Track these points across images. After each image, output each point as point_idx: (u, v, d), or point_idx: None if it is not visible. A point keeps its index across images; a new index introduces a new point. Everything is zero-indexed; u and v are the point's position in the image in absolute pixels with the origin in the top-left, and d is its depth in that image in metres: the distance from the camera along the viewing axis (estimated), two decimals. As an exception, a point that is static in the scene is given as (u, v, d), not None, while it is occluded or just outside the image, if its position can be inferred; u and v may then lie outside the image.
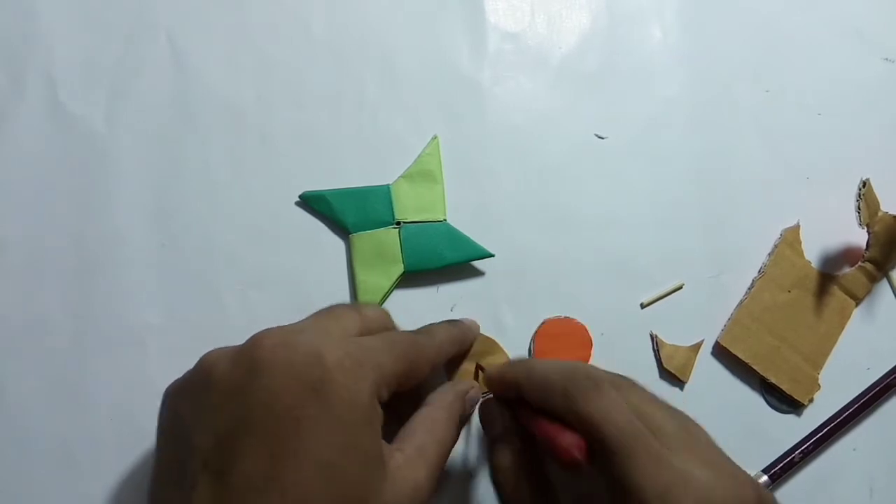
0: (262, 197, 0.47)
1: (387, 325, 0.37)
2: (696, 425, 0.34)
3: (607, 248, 0.49)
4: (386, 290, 0.46)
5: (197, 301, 0.45)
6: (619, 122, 0.50)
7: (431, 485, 0.31)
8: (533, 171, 0.49)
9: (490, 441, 0.38)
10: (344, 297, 0.46)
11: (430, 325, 0.41)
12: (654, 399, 0.35)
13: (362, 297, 0.45)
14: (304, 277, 0.46)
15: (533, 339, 0.47)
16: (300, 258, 0.46)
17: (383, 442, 0.30)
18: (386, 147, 0.48)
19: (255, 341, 0.29)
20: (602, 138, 0.49)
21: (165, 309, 0.45)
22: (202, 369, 0.30)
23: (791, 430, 0.49)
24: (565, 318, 0.47)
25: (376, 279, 0.45)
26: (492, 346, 0.46)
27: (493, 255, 0.47)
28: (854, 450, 0.49)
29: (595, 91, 0.50)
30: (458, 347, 0.42)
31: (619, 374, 0.36)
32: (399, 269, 0.46)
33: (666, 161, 0.50)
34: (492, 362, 0.45)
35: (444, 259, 0.46)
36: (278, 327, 0.31)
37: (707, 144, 0.51)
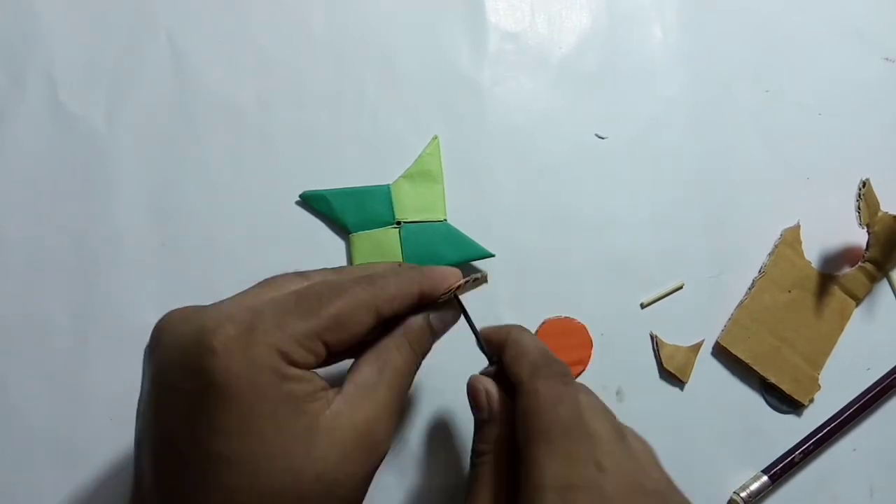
0: (262, 197, 0.47)
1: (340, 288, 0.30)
2: (642, 442, 0.34)
3: (607, 248, 0.49)
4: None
5: (197, 301, 0.45)
6: (619, 122, 0.50)
7: (383, 418, 0.29)
8: (533, 171, 0.49)
9: (478, 421, 0.35)
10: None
11: (376, 267, 0.36)
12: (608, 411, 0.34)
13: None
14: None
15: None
16: (300, 258, 0.46)
17: (306, 396, 0.27)
18: (386, 147, 0.48)
19: (165, 316, 0.29)
20: (602, 138, 0.49)
21: (165, 309, 0.45)
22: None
23: (791, 430, 0.49)
24: (565, 318, 0.47)
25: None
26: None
27: (493, 255, 0.47)
28: (854, 450, 0.49)
29: (595, 91, 0.50)
30: (414, 289, 0.32)
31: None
32: (399, 269, 0.46)
33: (666, 161, 0.50)
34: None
35: (444, 259, 0.46)
36: (210, 307, 0.29)
37: (707, 144, 0.51)
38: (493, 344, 0.37)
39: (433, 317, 0.34)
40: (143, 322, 0.45)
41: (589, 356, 0.47)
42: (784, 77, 0.52)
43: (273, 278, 0.32)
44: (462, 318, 0.37)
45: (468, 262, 0.47)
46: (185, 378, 0.25)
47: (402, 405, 0.31)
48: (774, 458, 0.48)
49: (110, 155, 0.46)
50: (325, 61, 0.49)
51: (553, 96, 0.50)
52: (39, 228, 0.45)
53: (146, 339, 0.45)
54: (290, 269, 0.46)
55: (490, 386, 0.35)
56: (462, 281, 0.35)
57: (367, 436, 0.27)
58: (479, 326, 0.38)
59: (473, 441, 0.35)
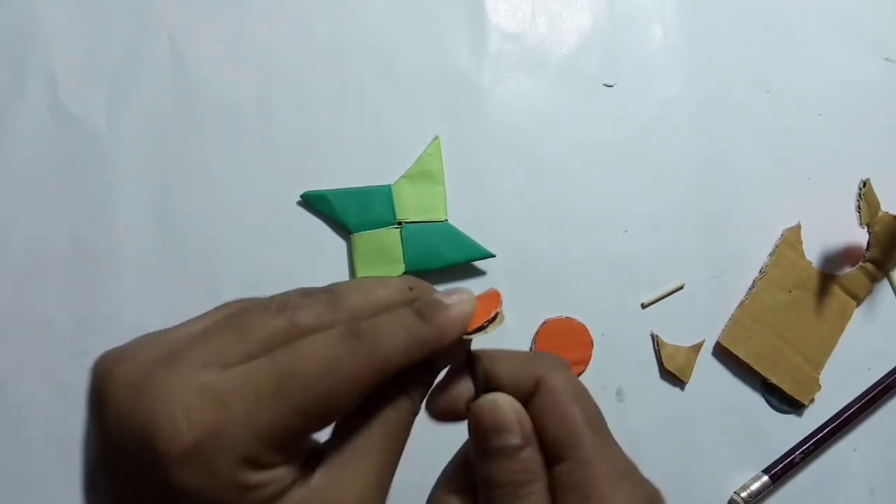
0: (263, 197, 0.47)
1: (336, 319, 0.23)
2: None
3: (607, 248, 0.49)
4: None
5: (197, 301, 0.45)
6: (620, 122, 0.50)
7: (374, 489, 0.23)
8: (533, 171, 0.49)
9: (494, 449, 0.26)
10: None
11: (388, 315, 0.24)
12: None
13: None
14: (305, 277, 0.46)
15: (534, 339, 0.47)
16: (301, 258, 0.46)
17: (273, 498, 0.21)
18: (387, 147, 0.48)
19: (108, 369, 0.21)
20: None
21: (165, 309, 0.45)
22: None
23: (792, 430, 0.49)
24: (566, 317, 0.47)
25: (377, 279, 0.45)
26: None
27: (493, 256, 0.47)
28: (855, 450, 0.49)
29: (595, 91, 0.50)
30: (414, 348, 0.24)
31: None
32: (400, 268, 0.46)
33: (666, 161, 0.50)
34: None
35: (445, 259, 0.46)
36: (157, 336, 0.23)
37: (707, 144, 0.51)
38: (519, 388, 0.26)
39: (436, 356, 0.25)
40: (144, 322, 0.45)
41: (589, 356, 0.47)
42: (784, 77, 0.52)
43: (241, 311, 0.23)
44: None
45: (469, 262, 0.47)
46: (136, 472, 0.21)
47: (395, 469, 0.25)
48: (775, 458, 0.48)
49: (110, 155, 0.46)
50: (325, 61, 0.49)
51: (553, 96, 0.50)
52: (39, 228, 0.45)
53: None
54: (291, 269, 0.46)
55: (517, 404, 0.26)
56: (474, 330, 0.26)
57: None
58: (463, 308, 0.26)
59: (488, 475, 0.26)
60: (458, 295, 0.25)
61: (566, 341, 0.47)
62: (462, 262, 0.46)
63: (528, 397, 0.26)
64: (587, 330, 0.47)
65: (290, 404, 0.21)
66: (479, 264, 0.47)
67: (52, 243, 0.45)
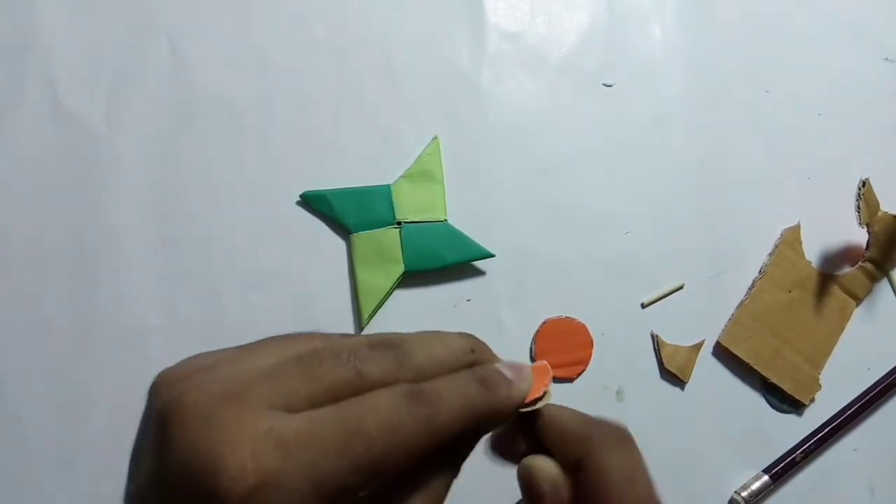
0: (262, 197, 0.47)
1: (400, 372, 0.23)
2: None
3: (607, 248, 0.49)
4: (386, 290, 0.46)
5: (197, 301, 0.45)
6: (619, 121, 0.50)
7: None
8: (533, 170, 0.49)
9: None
10: (345, 297, 0.46)
11: (450, 377, 0.24)
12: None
13: (363, 296, 0.45)
14: (304, 277, 0.46)
15: (534, 339, 0.47)
16: (301, 258, 0.46)
17: None
18: (386, 147, 0.48)
19: (177, 399, 0.21)
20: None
21: (165, 309, 0.45)
22: (149, 391, 0.23)
23: (792, 429, 0.49)
24: (566, 317, 0.47)
25: (377, 279, 0.45)
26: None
27: (493, 256, 0.47)
28: (855, 450, 0.49)
29: (595, 91, 0.50)
30: (475, 422, 0.24)
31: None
32: (399, 269, 0.46)
33: (665, 160, 0.50)
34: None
35: (444, 259, 0.46)
36: (225, 367, 0.23)
37: (707, 144, 0.51)
38: (570, 453, 0.27)
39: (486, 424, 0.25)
40: (144, 322, 0.45)
41: (589, 356, 0.47)
42: (784, 77, 0.52)
43: (312, 354, 0.23)
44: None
45: (468, 262, 0.47)
46: (191, 502, 0.20)
47: None
48: (775, 458, 0.48)
49: (110, 155, 0.46)
50: (325, 61, 0.49)
51: (553, 96, 0.50)
52: (39, 229, 0.45)
53: (146, 339, 0.45)
54: (291, 269, 0.46)
55: (555, 472, 0.27)
56: (526, 405, 0.26)
57: None
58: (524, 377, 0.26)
59: None
60: (519, 371, 0.25)
61: (566, 341, 0.47)
62: (461, 261, 0.46)
63: (578, 464, 0.26)
64: (587, 330, 0.47)
65: (351, 460, 0.21)
66: (479, 264, 0.47)
67: (51, 243, 0.45)
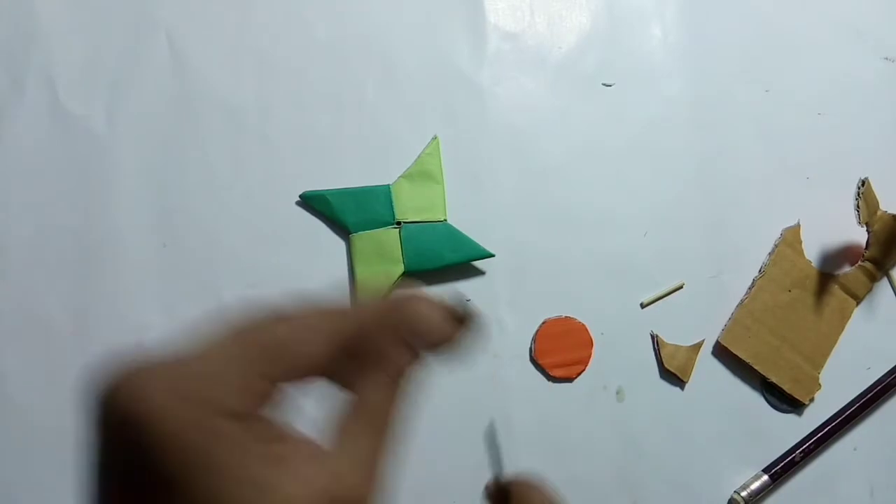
0: (262, 197, 0.47)
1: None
2: None
3: (607, 247, 0.49)
4: (386, 289, 0.46)
5: (197, 301, 0.45)
6: (619, 121, 0.50)
7: (363, 475, 0.23)
8: (533, 170, 0.49)
9: None
10: (344, 297, 0.46)
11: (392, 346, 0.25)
12: None
13: (362, 296, 0.45)
14: (304, 277, 0.46)
15: (534, 339, 0.47)
16: (301, 258, 0.46)
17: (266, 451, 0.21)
18: (386, 147, 0.48)
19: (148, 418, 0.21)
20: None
21: (165, 309, 0.45)
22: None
23: (791, 429, 0.49)
24: (565, 317, 0.47)
25: (377, 279, 0.45)
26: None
27: (493, 255, 0.47)
28: (854, 449, 0.49)
29: (594, 91, 0.50)
30: (342, 324, 0.25)
31: None
32: (399, 268, 0.46)
33: (666, 161, 0.50)
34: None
35: (444, 259, 0.46)
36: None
37: (707, 144, 0.51)
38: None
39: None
40: (145, 322, 0.45)
41: (589, 356, 0.47)
42: (784, 77, 0.52)
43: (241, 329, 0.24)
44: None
45: (468, 262, 0.47)
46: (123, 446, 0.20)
47: (387, 456, 0.25)
48: (775, 458, 0.48)
49: (110, 155, 0.46)
50: (325, 61, 0.49)
51: (553, 96, 0.50)
52: (40, 229, 0.45)
53: (148, 337, 0.45)
54: (291, 269, 0.46)
55: None
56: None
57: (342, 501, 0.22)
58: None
59: None
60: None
61: (566, 341, 0.47)
62: (461, 261, 0.46)
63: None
64: (587, 329, 0.47)
65: (244, 371, 0.22)
66: (479, 264, 0.47)
67: (51, 243, 0.45)
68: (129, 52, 0.47)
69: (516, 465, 0.45)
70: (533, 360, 0.47)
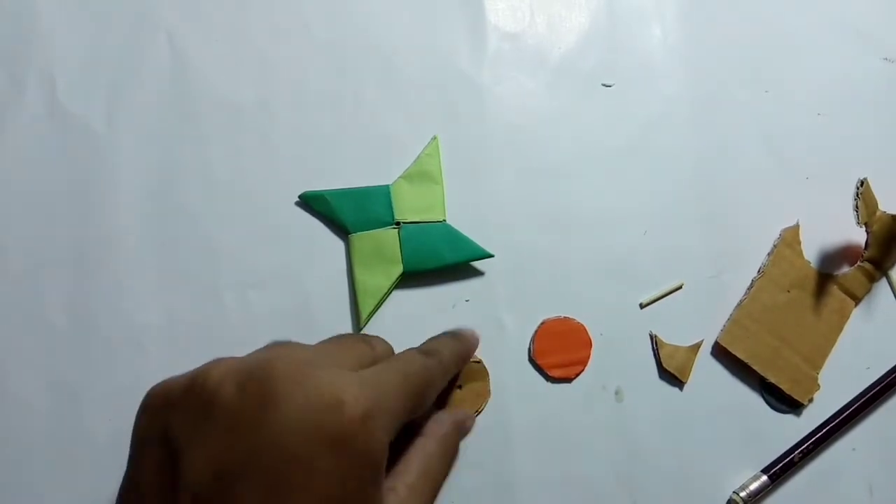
0: (261, 197, 0.47)
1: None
2: None
3: (606, 247, 0.49)
4: (385, 290, 0.46)
5: (197, 301, 0.45)
6: (618, 121, 0.50)
7: None
8: (533, 170, 0.49)
9: None
10: (343, 297, 0.46)
11: (434, 339, 0.41)
12: None
13: (361, 297, 0.45)
14: (303, 277, 0.46)
15: (533, 339, 0.47)
16: (300, 258, 0.46)
17: (384, 485, 0.28)
18: (386, 147, 0.48)
19: (267, 367, 0.26)
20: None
21: (165, 309, 0.45)
22: (204, 387, 0.26)
23: (790, 430, 0.49)
24: (564, 317, 0.47)
25: (375, 279, 0.46)
26: (477, 371, 0.46)
27: (492, 256, 0.47)
28: (854, 450, 0.49)
29: (594, 91, 0.50)
30: (461, 365, 0.41)
31: None
32: (398, 269, 0.46)
33: (665, 161, 0.50)
34: (473, 388, 0.45)
35: (443, 259, 0.46)
36: (287, 348, 0.29)
37: (706, 144, 0.51)
38: None
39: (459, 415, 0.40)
40: (143, 322, 0.45)
41: (588, 356, 0.47)
42: (784, 77, 0.52)
43: (341, 340, 0.34)
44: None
45: (468, 262, 0.47)
46: (320, 456, 0.25)
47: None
48: (774, 458, 0.48)
49: (110, 155, 0.46)
50: (324, 61, 0.49)
51: (553, 96, 0.50)
52: (39, 228, 0.45)
53: (145, 339, 0.45)
54: (290, 270, 0.46)
55: None
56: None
57: None
58: (474, 334, 0.45)
59: None
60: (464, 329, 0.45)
61: (564, 342, 0.47)
62: (460, 262, 0.46)
63: None
64: (585, 330, 0.47)
65: (411, 396, 0.30)
66: (478, 265, 0.47)
67: (50, 243, 0.45)
68: (128, 51, 0.47)
69: (514, 464, 0.45)
70: (531, 361, 0.47)
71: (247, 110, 0.47)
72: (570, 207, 0.49)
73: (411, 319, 0.46)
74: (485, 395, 0.45)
